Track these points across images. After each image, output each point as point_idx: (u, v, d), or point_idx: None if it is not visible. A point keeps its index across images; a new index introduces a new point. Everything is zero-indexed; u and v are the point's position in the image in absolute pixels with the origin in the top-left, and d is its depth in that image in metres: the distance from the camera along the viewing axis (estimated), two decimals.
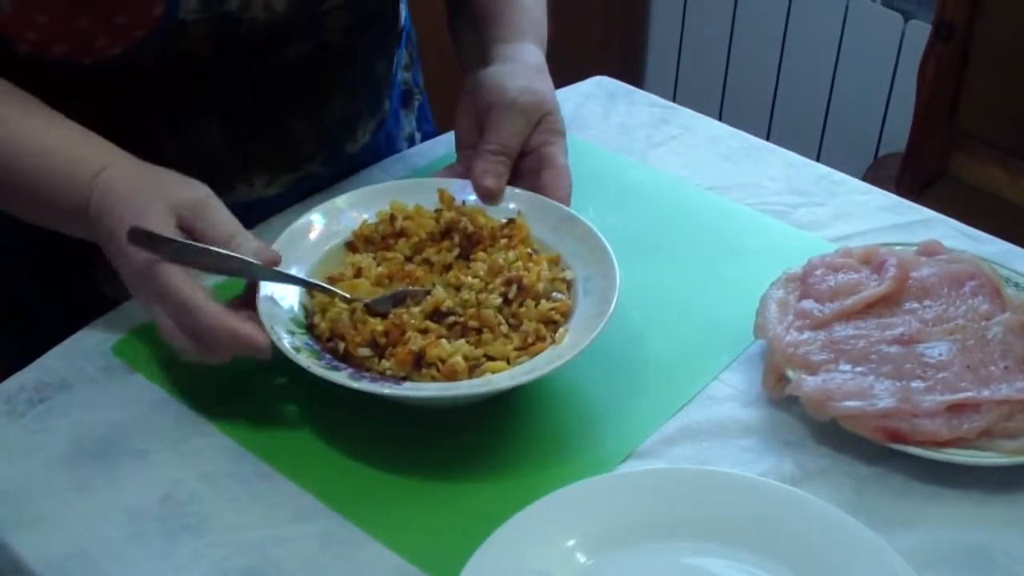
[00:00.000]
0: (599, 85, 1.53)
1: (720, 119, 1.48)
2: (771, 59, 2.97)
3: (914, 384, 1.01)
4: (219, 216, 1.02)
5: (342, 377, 0.96)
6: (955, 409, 0.99)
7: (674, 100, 1.52)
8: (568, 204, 1.14)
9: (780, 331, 1.07)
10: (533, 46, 1.25)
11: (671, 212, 1.29)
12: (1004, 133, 2.20)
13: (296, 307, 1.03)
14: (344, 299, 1.02)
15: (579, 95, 1.51)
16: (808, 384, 1.01)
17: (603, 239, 1.08)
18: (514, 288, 1.02)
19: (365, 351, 0.99)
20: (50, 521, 0.93)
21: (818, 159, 1.42)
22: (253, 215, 1.20)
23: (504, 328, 1.01)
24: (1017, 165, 2.21)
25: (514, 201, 1.15)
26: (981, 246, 1.23)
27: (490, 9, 1.29)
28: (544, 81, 1.20)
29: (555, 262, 1.09)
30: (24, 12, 1.04)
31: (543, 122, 1.17)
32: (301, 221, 1.11)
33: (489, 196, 1.15)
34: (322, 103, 1.28)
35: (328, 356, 0.99)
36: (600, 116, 1.46)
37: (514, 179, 1.17)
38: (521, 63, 1.21)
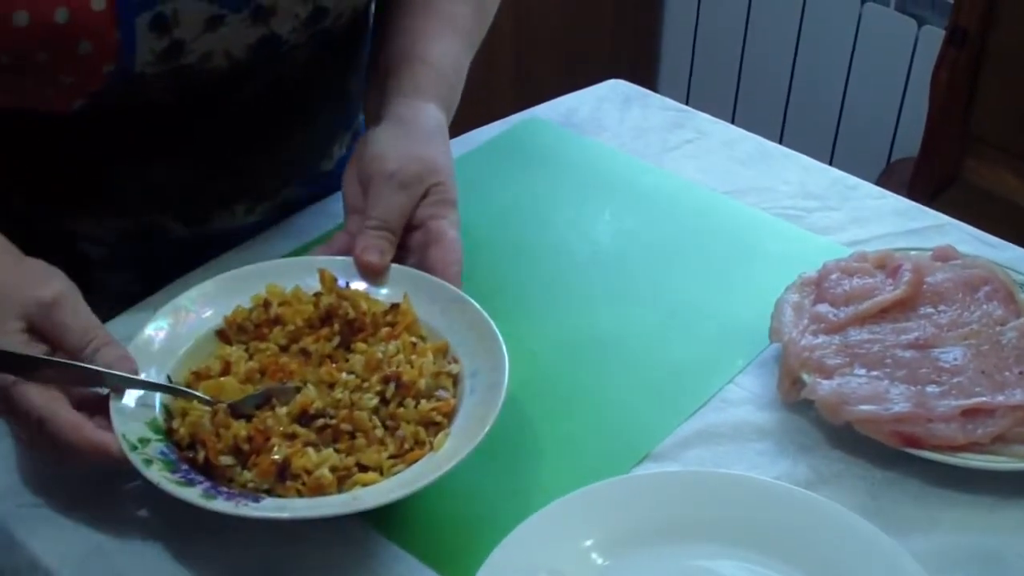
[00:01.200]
0: (614, 88, 1.53)
1: (733, 123, 1.49)
2: (784, 63, 2.97)
3: (929, 389, 1.01)
4: (72, 319, 0.94)
5: (193, 495, 0.87)
6: (970, 414, 0.99)
7: (687, 104, 1.52)
8: (458, 282, 1.06)
9: (795, 335, 1.07)
10: (432, 105, 1.16)
11: (686, 216, 1.29)
12: (1017, 139, 2.20)
13: (158, 408, 0.95)
14: (205, 401, 0.95)
15: (594, 98, 1.51)
16: (823, 388, 1.01)
17: (493, 326, 1.00)
18: (392, 387, 0.95)
19: (227, 459, 0.91)
20: (67, 518, 0.93)
21: (831, 163, 1.42)
22: (232, 241, 1.20)
23: (379, 432, 0.93)
24: None
25: (402, 282, 1.06)
26: (995, 252, 1.23)
27: (391, 61, 1.20)
28: (436, 146, 1.12)
29: (443, 351, 1.01)
30: None
31: (430, 192, 1.09)
32: (167, 307, 1.03)
33: (372, 273, 1.07)
34: (284, 134, 1.24)
35: (185, 467, 0.91)
36: (615, 119, 1.46)
37: (403, 254, 1.10)
38: (412, 125, 1.13)
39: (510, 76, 2.90)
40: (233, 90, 1.15)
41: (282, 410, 0.94)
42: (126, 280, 1.12)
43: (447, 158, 1.13)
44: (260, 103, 1.19)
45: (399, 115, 1.14)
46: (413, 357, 0.99)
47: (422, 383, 0.96)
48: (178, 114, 1.14)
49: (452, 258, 1.07)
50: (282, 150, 1.25)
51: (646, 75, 3.24)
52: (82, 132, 1.12)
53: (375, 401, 0.95)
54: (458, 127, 1.42)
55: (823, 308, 1.09)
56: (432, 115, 1.15)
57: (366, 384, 0.96)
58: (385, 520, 0.93)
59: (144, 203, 1.19)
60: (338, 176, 1.25)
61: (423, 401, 0.95)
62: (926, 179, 2.32)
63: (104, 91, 1.05)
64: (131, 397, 0.94)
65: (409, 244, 1.10)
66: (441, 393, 0.97)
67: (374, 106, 1.19)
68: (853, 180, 1.37)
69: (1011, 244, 1.25)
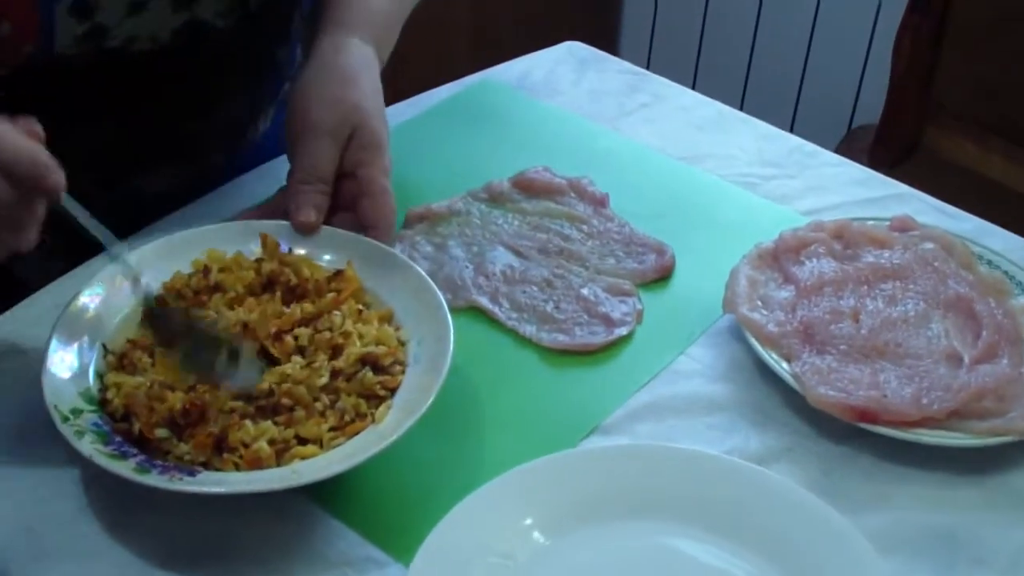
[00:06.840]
0: (570, 51, 1.50)
1: (694, 88, 1.46)
2: (746, 28, 2.95)
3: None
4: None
5: (126, 468, 0.84)
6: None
7: (648, 68, 1.49)
8: (390, 236, 1.04)
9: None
10: (357, 40, 1.11)
11: (641, 182, 1.26)
12: (979, 107, 2.19)
13: (92, 378, 0.92)
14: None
15: (550, 60, 1.48)
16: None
17: (439, 293, 0.98)
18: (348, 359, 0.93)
19: (163, 432, 0.88)
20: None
21: (792, 130, 1.40)
22: (153, 210, 1.16)
23: (320, 405, 0.91)
24: (991, 140, 2.20)
25: (346, 248, 1.03)
26: (954, 222, 1.21)
27: None
28: (360, 86, 1.08)
29: (387, 319, 0.99)
30: None
31: (355, 136, 1.06)
32: (104, 272, 0.99)
33: (308, 231, 1.04)
34: (213, 105, 1.22)
35: (119, 439, 0.88)
36: (571, 82, 1.43)
37: (338, 204, 1.06)
38: (334, 65, 1.09)
39: (469, 38, 2.86)
40: (158, 68, 1.12)
41: None
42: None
43: (372, 99, 1.08)
44: (186, 77, 1.16)
45: (322, 54, 1.10)
46: (358, 325, 0.96)
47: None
48: (100, 85, 1.11)
49: (383, 211, 1.04)
50: (210, 121, 1.22)
51: (608, 39, 3.21)
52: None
53: (326, 378, 0.92)
54: (412, 89, 1.39)
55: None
56: (357, 52, 1.11)
57: (316, 364, 0.93)
58: (326, 495, 0.91)
59: (65, 163, 1.16)
60: (264, 147, 1.24)
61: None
62: (886, 147, 2.30)
63: (26, 66, 1.03)
64: (64, 367, 0.92)
65: (343, 195, 1.07)
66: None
67: (306, 44, 1.16)
68: (812, 147, 1.35)
69: (970, 215, 1.24)
